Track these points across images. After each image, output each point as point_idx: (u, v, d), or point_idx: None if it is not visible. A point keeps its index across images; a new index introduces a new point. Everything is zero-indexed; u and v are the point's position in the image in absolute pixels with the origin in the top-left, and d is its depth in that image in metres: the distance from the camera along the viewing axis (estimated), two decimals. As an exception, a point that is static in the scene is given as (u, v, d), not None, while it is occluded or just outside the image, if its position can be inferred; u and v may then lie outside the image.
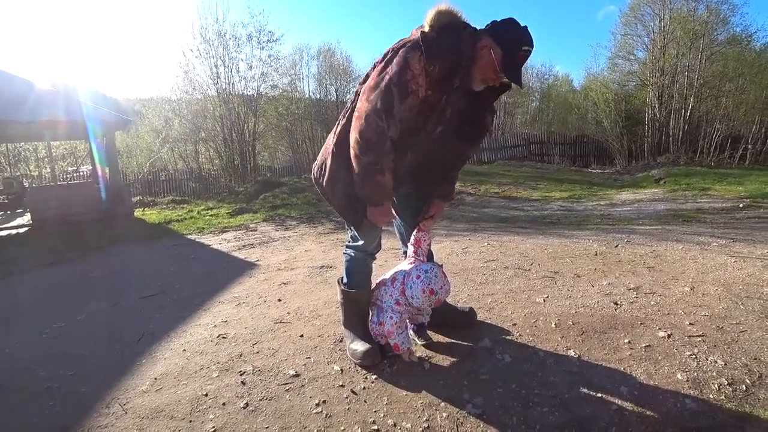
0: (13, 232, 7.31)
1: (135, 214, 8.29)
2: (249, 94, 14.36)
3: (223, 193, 11.13)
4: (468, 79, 1.52)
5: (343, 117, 1.65)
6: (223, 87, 13.76)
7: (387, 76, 1.46)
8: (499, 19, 1.49)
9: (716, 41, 14.74)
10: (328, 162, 1.67)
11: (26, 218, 8.72)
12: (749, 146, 12.73)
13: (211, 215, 7.63)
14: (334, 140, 1.65)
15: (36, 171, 16.11)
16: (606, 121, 16.83)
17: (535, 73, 23.32)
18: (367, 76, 1.61)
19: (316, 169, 1.76)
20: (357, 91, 1.63)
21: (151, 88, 40.60)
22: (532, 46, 1.45)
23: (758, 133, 12.99)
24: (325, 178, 1.70)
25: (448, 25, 1.49)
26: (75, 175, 14.41)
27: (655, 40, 15.83)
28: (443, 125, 1.61)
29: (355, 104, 1.57)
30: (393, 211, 1.78)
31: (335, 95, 18.42)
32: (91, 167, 10.13)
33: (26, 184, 12.84)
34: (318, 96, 18.57)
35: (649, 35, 16.28)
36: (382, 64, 1.53)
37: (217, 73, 13.67)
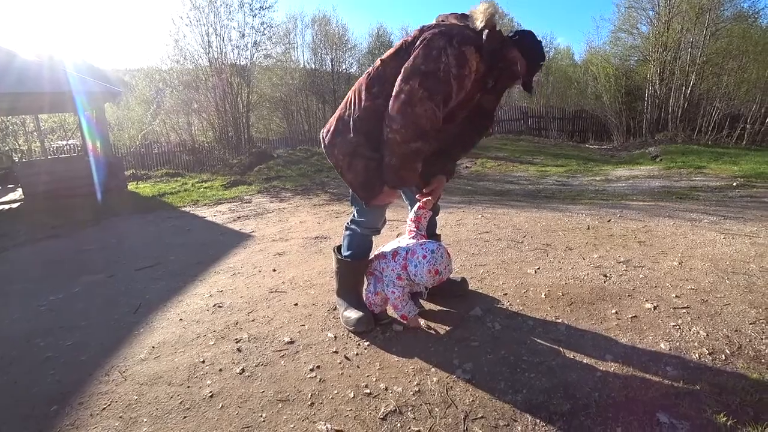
0: (6, 207, 7.23)
1: (128, 187, 8.21)
2: (242, 63, 13.96)
3: (217, 166, 11.02)
4: (501, 84, 1.64)
5: (367, 93, 1.58)
6: (215, 56, 13.35)
7: (443, 66, 1.44)
8: (521, 30, 1.58)
9: (722, 17, 14.34)
10: (350, 136, 1.59)
11: (18, 193, 8.62)
12: (748, 126, 12.63)
13: (206, 187, 7.58)
14: (358, 114, 1.58)
15: (25, 145, 15.70)
16: (606, 96, 16.58)
17: (536, 46, 22.73)
18: (399, 50, 1.56)
19: (329, 136, 1.67)
20: (377, 66, 1.59)
21: (140, 58, 39.30)
22: (545, 60, 1.64)
23: (758, 112, 12.85)
24: (341, 151, 1.62)
25: (493, 27, 1.52)
26: (66, 147, 14.12)
27: (659, 14, 15.38)
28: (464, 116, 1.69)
29: (383, 76, 1.55)
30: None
31: (330, 65, 17.91)
32: (81, 140, 9.91)
33: (15, 159, 12.59)
34: (313, 66, 18.04)
35: (654, 8, 15.80)
36: (425, 43, 1.48)
37: (209, 41, 13.23)
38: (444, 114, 1.54)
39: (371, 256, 1.86)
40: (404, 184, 1.63)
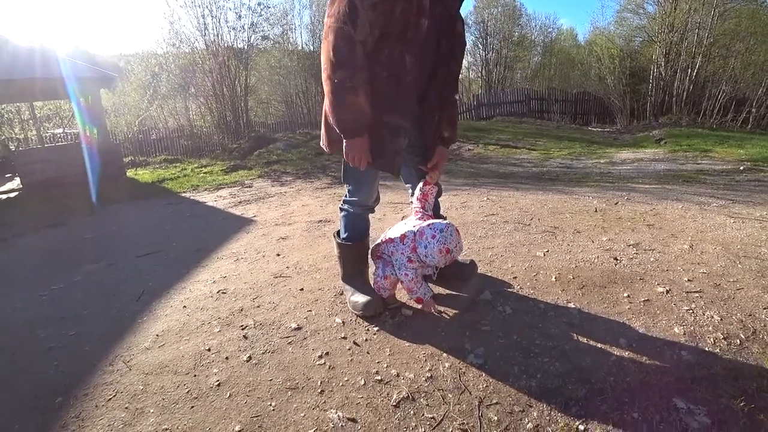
0: (3, 197, 7.15)
1: (127, 174, 8.12)
2: (239, 46, 13.67)
3: (216, 151, 10.90)
4: None
5: None
6: (212, 39, 13.04)
7: None
8: None
9: (731, -4, 14.01)
10: (323, 125, 1.61)
11: (15, 183, 8.53)
12: (753, 110, 12.43)
13: (205, 173, 7.50)
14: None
15: (21, 134, 15.46)
16: (609, 77, 16.33)
17: (539, 26, 22.31)
18: None
19: (324, 140, 1.67)
20: None
21: (134, 43, 38.52)
22: None
23: (764, 96, 12.61)
24: (325, 142, 1.63)
25: None
26: (63, 135, 13.93)
27: (667, -8, 15.03)
28: (426, 18, 1.50)
29: None
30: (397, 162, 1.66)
31: (329, 48, 17.53)
32: (79, 128, 9.75)
33: (12, 148, 12.43)
34: (311, 48, 17.65)
35: (662, -14, 15.44)
36: None
37: (205, 23, 12.89)
38: (384, 22, 1.42)
39: (378, 240, 1.81)
40: (346, 127, 1.47)
